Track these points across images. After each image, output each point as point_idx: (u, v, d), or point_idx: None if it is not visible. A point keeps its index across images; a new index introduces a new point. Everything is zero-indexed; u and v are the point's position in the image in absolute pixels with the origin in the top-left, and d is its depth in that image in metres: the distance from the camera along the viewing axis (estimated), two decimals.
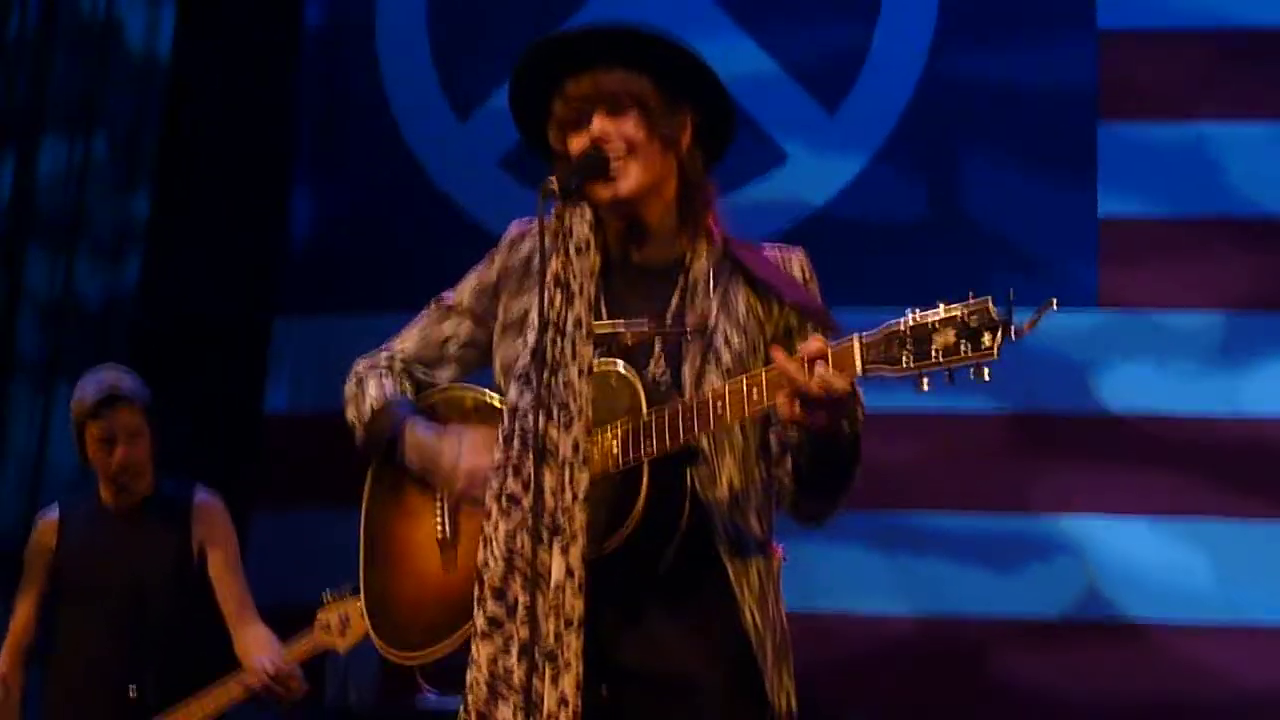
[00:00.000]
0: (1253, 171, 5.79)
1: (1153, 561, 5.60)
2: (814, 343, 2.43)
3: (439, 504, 2.80)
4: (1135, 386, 5.73)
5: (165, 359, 5.94)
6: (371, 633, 2.84)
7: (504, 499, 2.56)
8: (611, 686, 2.55)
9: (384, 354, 2.92)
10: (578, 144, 2.72)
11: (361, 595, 2.89)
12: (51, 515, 4.65)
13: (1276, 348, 5.69)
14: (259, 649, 4.42)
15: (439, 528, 2.79)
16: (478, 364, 2.91)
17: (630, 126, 2.70)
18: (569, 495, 2.52)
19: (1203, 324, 5.72)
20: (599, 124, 2.70)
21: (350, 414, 2.89)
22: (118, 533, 4.55)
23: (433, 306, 2.94)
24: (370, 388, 2.86)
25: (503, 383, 2.78)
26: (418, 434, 2.78)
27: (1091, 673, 5.57)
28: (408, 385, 2.88)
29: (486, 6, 6.41)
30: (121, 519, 4.57)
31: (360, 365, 2.92)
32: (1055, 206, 5.90)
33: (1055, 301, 2.27)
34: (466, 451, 2.71)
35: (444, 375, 2.90)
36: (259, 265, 6.41)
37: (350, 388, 2.90)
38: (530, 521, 2.51)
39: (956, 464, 5.77)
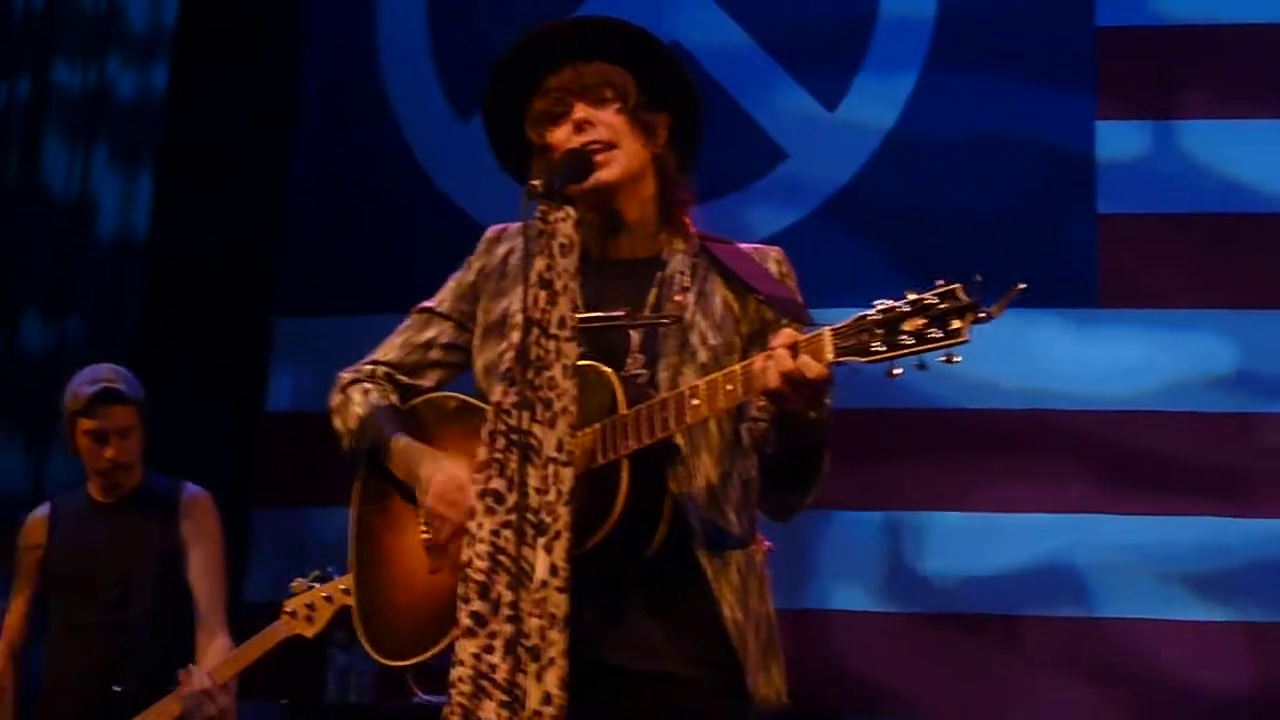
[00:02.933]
0: None
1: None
2: (786, 332, 2.43)
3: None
4: None
5: (169, 359, 5.97)
6: (363, 640, 2.83)
7: (488, 496, 2.55)
8: (594, 684, 2.54)
9: (367, 365, 2.93)
10: (560, 135, 2.74)
11: (353, 604, 2.88)
12: (42, 512, 4.67)
13: None
14: (207, 663, 4.41)
15: (426, 533, 2.77)
16: (460, 368, 2.91)
17: (611, 114, 2.73)
18: (554, 493, 2.50)
19: None
20: (582, 111, 2.73)
21: (337, 424, 2.90)
22: (107, 527, 4.56)
23: (414, 315, 2.95)
24: (355, 397, 2.88)
25: (484, 385, 2.78)
26: (402, 444, 2.79)
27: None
28: (392, 394, 2.89)
29: (486, 8, 6.42)
30: (111, 513, 4.58)
31: (344, 376, 2.93)
32: (1056, 201, 5.90)
33: (1022, 285, 2.26)
34: (440, 469, 2.71)
35: (427, 382, 2.91)
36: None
37: (336, 398, 2.91)
38: (515, 519, 2.50)
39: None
